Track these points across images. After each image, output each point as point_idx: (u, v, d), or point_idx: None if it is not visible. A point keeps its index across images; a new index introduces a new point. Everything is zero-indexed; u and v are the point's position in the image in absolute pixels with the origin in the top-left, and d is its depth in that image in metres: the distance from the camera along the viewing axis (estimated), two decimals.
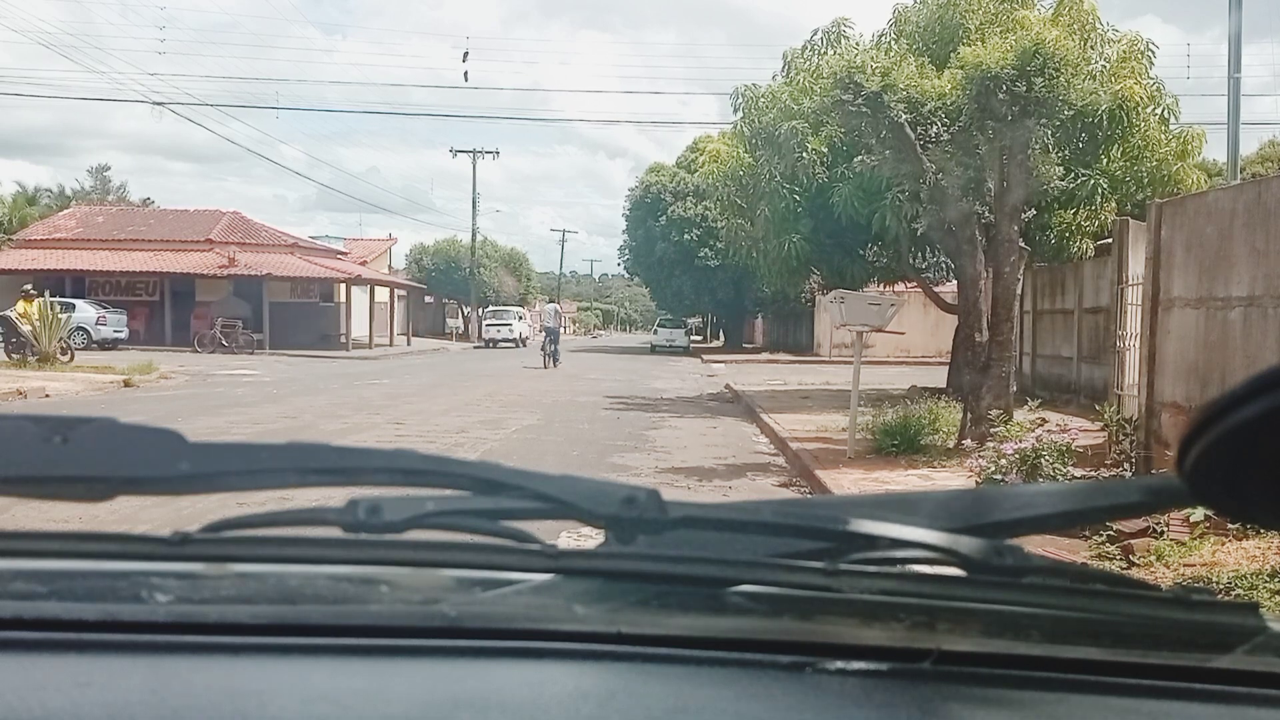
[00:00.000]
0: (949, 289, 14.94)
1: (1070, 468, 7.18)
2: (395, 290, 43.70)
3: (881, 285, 16.55)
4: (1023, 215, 10.61)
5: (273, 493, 1.02)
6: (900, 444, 9.69)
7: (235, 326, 31.17)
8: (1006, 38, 10.09)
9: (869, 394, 12.78)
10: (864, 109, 9.86)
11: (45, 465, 0.82)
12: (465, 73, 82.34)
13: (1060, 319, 15.48)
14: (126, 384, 17.39)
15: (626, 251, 45.03)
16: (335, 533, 0.82)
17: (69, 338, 21.79)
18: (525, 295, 58.72)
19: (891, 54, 11.12)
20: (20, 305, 20.39)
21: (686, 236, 39.36)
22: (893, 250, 14.21)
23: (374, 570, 0.88)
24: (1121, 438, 8.38)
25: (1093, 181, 12.24)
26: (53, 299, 21.47)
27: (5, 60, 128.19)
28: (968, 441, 9.43)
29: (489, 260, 54.69)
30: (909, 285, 16.89)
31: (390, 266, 51.59)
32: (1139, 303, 8.78)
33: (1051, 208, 12.86)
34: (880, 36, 13.19)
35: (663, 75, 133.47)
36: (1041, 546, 4.61)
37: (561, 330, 31.40)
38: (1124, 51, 12.18)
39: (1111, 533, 5.60)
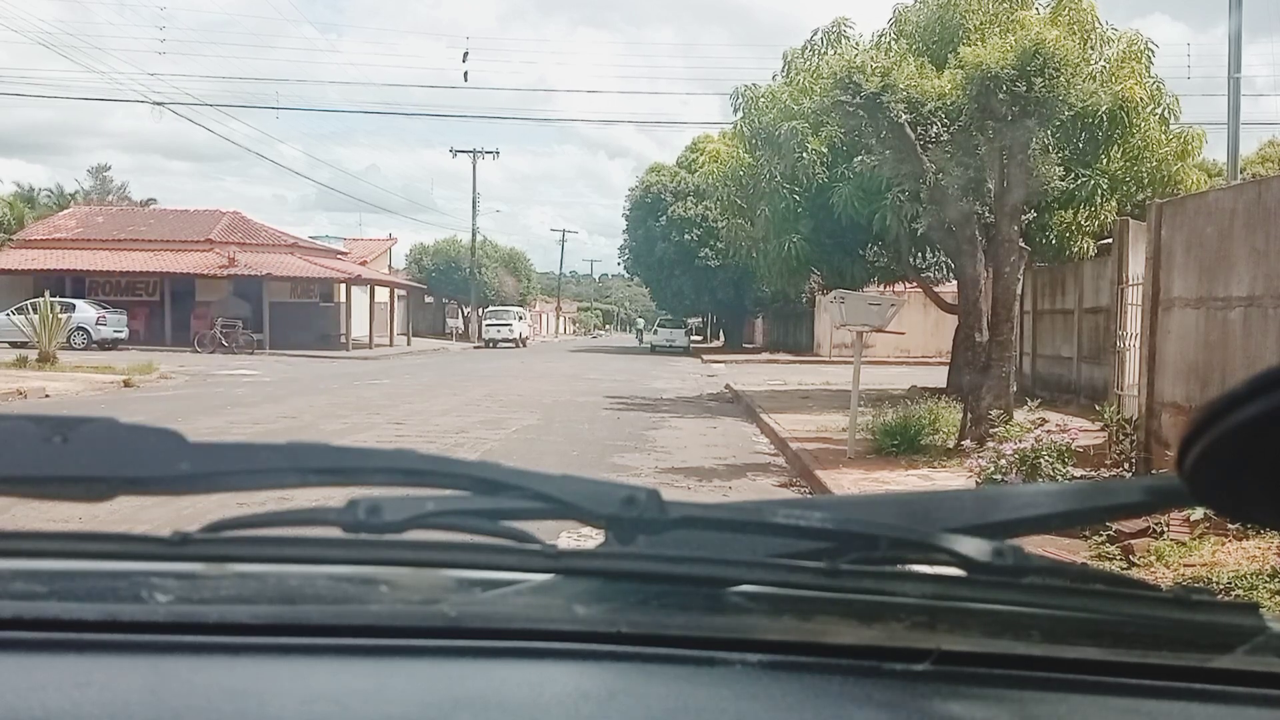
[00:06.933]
0: (949, 289, 14.92)
1: (1070, 468, 7.18)
2: (395, 290, 43.69)
3: (881, 285, 16.53)
4: (1023, 215, 10.60)
5: (273, 493, 1.02)
6: (900, 444, 9.69)
7: (235, 326, 31.17)
8: (1006, 38, 10.07)
9: (869, 394, 12.77)
10: (864, 109, 9.85)
11: (45, 465, 0.82)
12: (465, 73, 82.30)
13: (1060, 319, 15.47)
14: (126, 384, 17.39)
15: (626, 251, 45.04)
16: (335, 533, 0.82)
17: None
18: (525, 295, 58.71)
19: (891, 54, 11.11)
20: None
21: (687, 236, 39.34)
22: (893, 250, 14.20)
23: (374, 570, 0.88)
24: (1121, 438, 8.38)
25: (1093, 182, 12.23)
26: (53, 299, 21.44)
27: (4, 60, 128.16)
28: (968, 442, 9.42)
29: (489, 260, 54.68)
30: (909, 285, 16.87)
31: (390, 266, 51.57)
32: (1139, 303, 8.78)
33: (1052, 208, 12.85)
34: (880, 36, 13.17)
35: (663, 74, 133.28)
36: (1041, 546, 4.61)
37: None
38: (1124, 52, 12.17)
39: (1111, 533, 5.60)
